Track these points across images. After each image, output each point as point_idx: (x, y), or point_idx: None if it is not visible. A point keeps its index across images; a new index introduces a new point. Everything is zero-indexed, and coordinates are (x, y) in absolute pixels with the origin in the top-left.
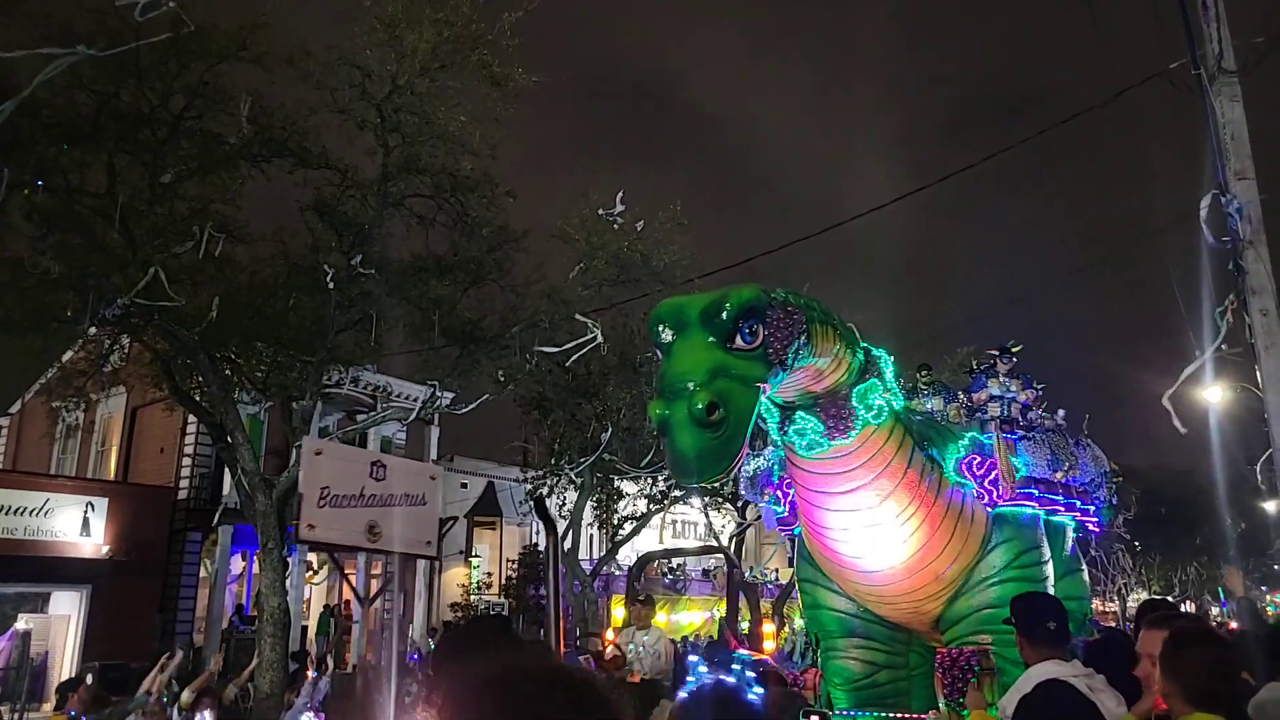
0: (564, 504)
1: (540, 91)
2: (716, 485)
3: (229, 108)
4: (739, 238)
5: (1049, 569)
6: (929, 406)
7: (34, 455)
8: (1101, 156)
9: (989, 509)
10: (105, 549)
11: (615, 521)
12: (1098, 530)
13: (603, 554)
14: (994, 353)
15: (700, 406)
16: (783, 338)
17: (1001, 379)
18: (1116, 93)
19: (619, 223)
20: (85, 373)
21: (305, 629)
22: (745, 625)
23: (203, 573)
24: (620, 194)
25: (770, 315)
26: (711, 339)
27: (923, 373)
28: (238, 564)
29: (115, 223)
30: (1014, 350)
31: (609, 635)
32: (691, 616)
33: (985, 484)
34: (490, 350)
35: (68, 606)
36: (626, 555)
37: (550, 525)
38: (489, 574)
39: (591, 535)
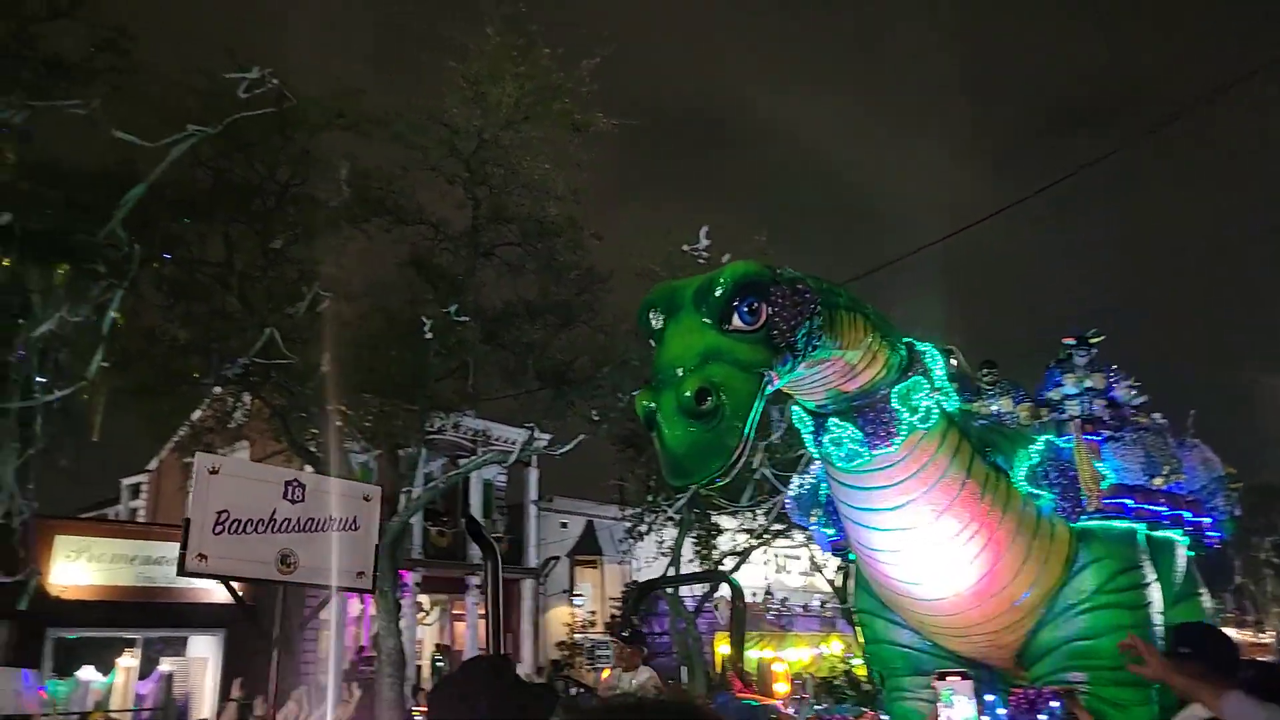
0: (663, 541)
1: (621, 134)
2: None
3: (329, 173)
4: (828, 262)
5: (1155, 592)
6: (995, 409)
7: (171, 508)
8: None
9: (1072, 523)
10: (234, 595)
11: (716, 557)
12: (1215, 544)
13: (705, 591)
14: (1070, 343)
15: (689, 394)
16: (789, 318)
17: (1079, 373)
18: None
19: (704, 258)
20: (212, 429)
21: (419, 668)
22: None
23: (322, 615)
24: (705, 229)
25: (774, 292)
26: (706, 320)
27: (985, 371)
28: (355, 606)
29: (233, 289)
30: (1092, 340)
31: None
32: (799, 654)
33: (1065, 494)
34: (583, 391)
35: (205, 650)
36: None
37: (488, 547)
38: (592, 612)
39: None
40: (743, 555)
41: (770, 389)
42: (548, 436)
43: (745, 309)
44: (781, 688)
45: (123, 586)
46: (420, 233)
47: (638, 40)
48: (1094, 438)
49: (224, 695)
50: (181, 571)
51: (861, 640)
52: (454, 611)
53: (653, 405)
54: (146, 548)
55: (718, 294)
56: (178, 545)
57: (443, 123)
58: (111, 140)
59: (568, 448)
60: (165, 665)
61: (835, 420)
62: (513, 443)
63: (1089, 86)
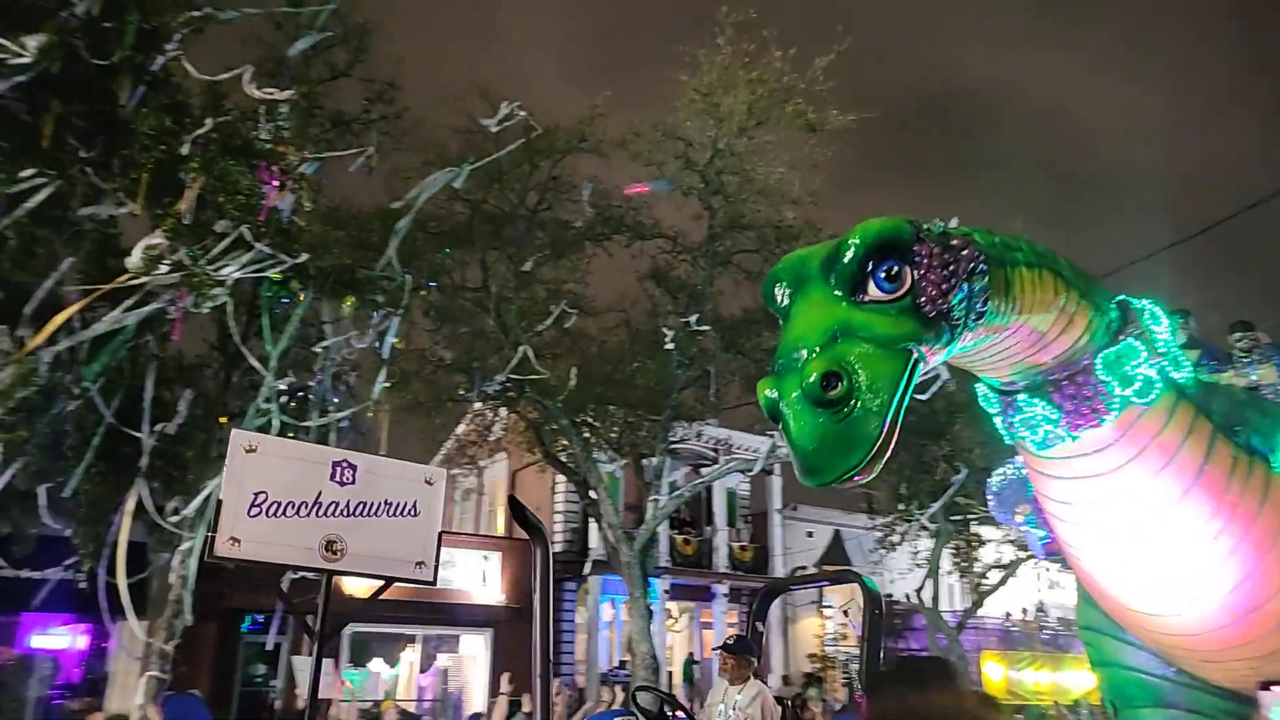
0: (918, 551)
1: (859, 126)
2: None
3: (573, 195)
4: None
5: None
6: (1253, 378)
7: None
8: None
9: None
10: (500, 597)
11: (978, 571)
12: None
13: (967, 606)
14: None
15: (813, 379)
16: (940, 281)
17: None
18: None
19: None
20: (475, 442)
21: (670, 674)
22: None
23: (578, 619)
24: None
25: (919, 252)
26: (836, 292)
27: (1238, 335)
28: (607, 611)
29: (490, 311)
30: None
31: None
32: (1079, 679)
33: None
34: None
35: (475, 648)
36: (996, 608)
37: (536, 531)
38: (843, 624)
39: (951, 586)
40: (1008, 569)
41: (923, 368)
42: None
43: (883, 274)
44: None
45: (404, 586)
46: (659, 246)
47: (875, 26)
48: None
49: (493, 690)
50: (210, 556)
51: (1089, 663)
52: (702, 619)
53: (775, 395)
54: None
55: (848, 259)
56: (448, 550)
57: (677, 137)
58: (384, 182)
59: None
60: (441, 660)
61: (1028, 397)
62: (755, 451)
63: None
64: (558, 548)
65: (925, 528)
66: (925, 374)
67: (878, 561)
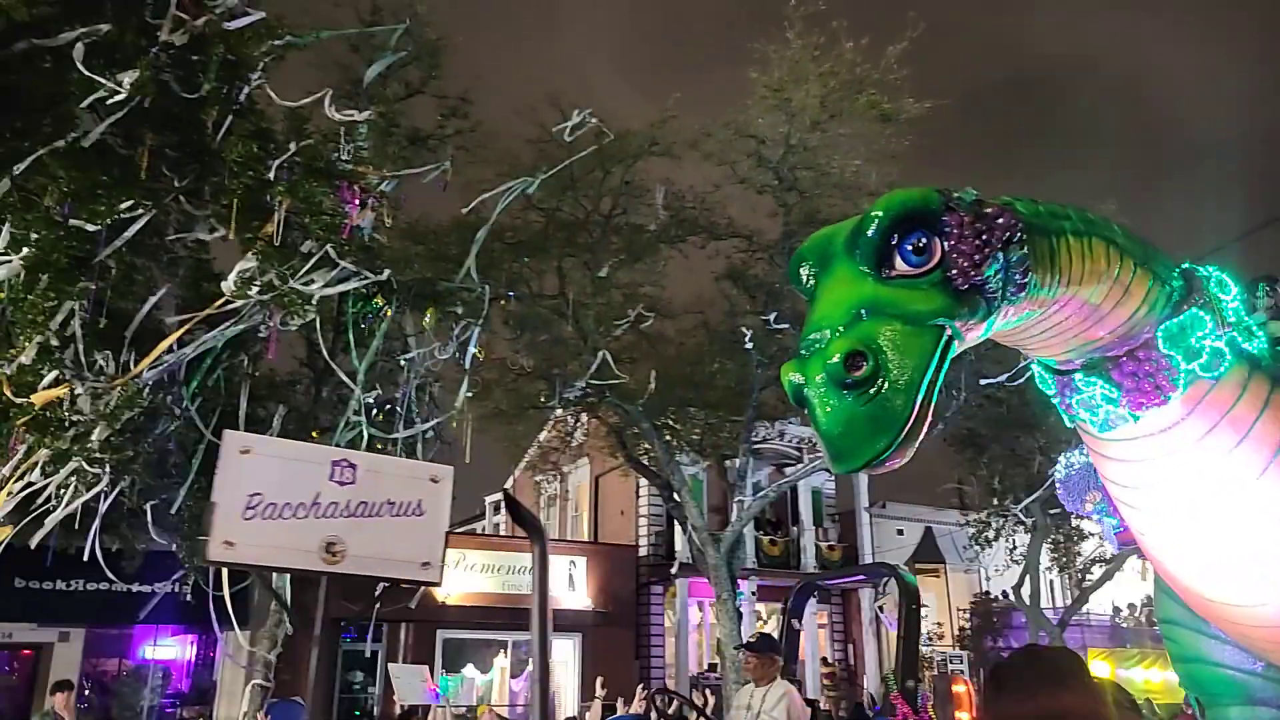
0: (1015, 547)
1: (938, 113)
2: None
3: (647, 199)
4: (1186, 224)
5: None
6: None
7: None
8: None
9: None
10: (588, 602)
11: (1080, 565)
12: None
13: (1069, 603)
14: None
15: (837, 360)
16: (974, 252)
17: None
18: None
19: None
20: (557, 449)
21: None
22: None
23: (666, 622)
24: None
25: (949, 222)
26: (863, 268)
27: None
28: (695, 614)
29: (568, 318)
30: None
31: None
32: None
33: None
34: None
35: (564, 653)
36: (1101, 604)
37: (534, 529)
38: (939, 624)
39: (1051, 581)
40: (1111, 563)
41: (958, 345)
42: None
43: (910, 247)
44: (964, 717)
45: (492, 593)
46: (734, 245)
47: (944, 4)
48: None
49: (584, 694)
50: (205, 560)
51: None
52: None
53: (800, 379)
54: (508, 559)
55: (871, 232)
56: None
57: (749, 135)
58: (460, 195)
59: None
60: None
61: (1085, 376)
62: None
63: None
64: (643, 551)
65: (1021, 522)
66: (964, 349)
67: (973, 559)
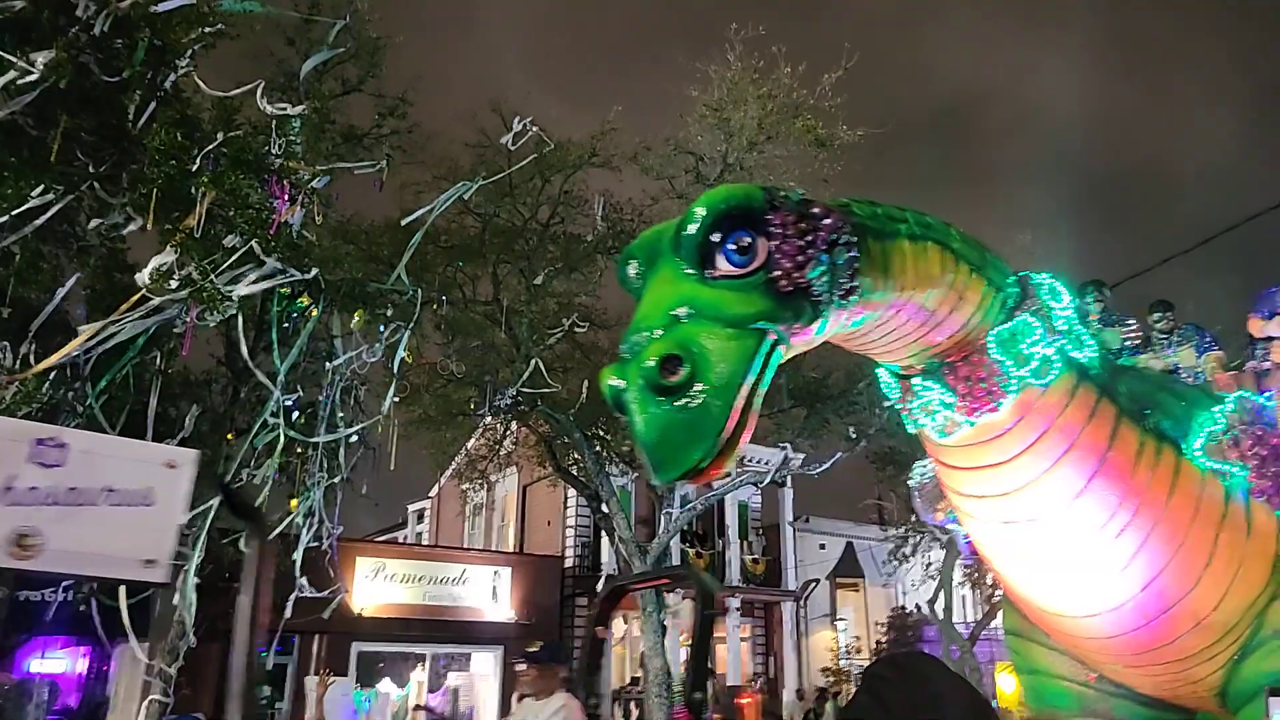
0: (930, 563)
1: (866, 142)
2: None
3: (584, 209)
4: (1114, 258)
5: None
6: (1173, 361)
7: (450, 532)
8: None
9: (1279, 512)
10: (511, 614)
11: (990, 581)
12: None
13: (979, 617)
14: None
15: (652, 364)
16: (797, 253)
17: None
18: None
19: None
20: (485, 457)
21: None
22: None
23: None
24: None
25: (774, 222)
26: (686, 268)
27: (1158, 315)
28: (619, 627)
29: (501, 325)
30: None
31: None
32: None
33: (1264, 470)
34: (838, 407)
35: (486, 666)
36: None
37: (255, 520)
38: (857, 637)
39: (964, 596)
40: None
41: (785, 351)
42: (802, 456)
43: (733, 247)
44: None
45: (412, 605)
46: None
47: (884, 40)
48: None
49: (504, 709)
50: None
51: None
52: (716, 633)
53: (619, 383)
54: (431, 569)
55: (692, 230)
56: (459, 566)
57: (688, 151)
58: (395, 196)
59: (824, 467)
60: (452, 679)
61: (924, 381)
62: (767, 463)
63: None
64: (569, 563)
65: (937, 539)
66: (796, 356)
67: (891, 573)
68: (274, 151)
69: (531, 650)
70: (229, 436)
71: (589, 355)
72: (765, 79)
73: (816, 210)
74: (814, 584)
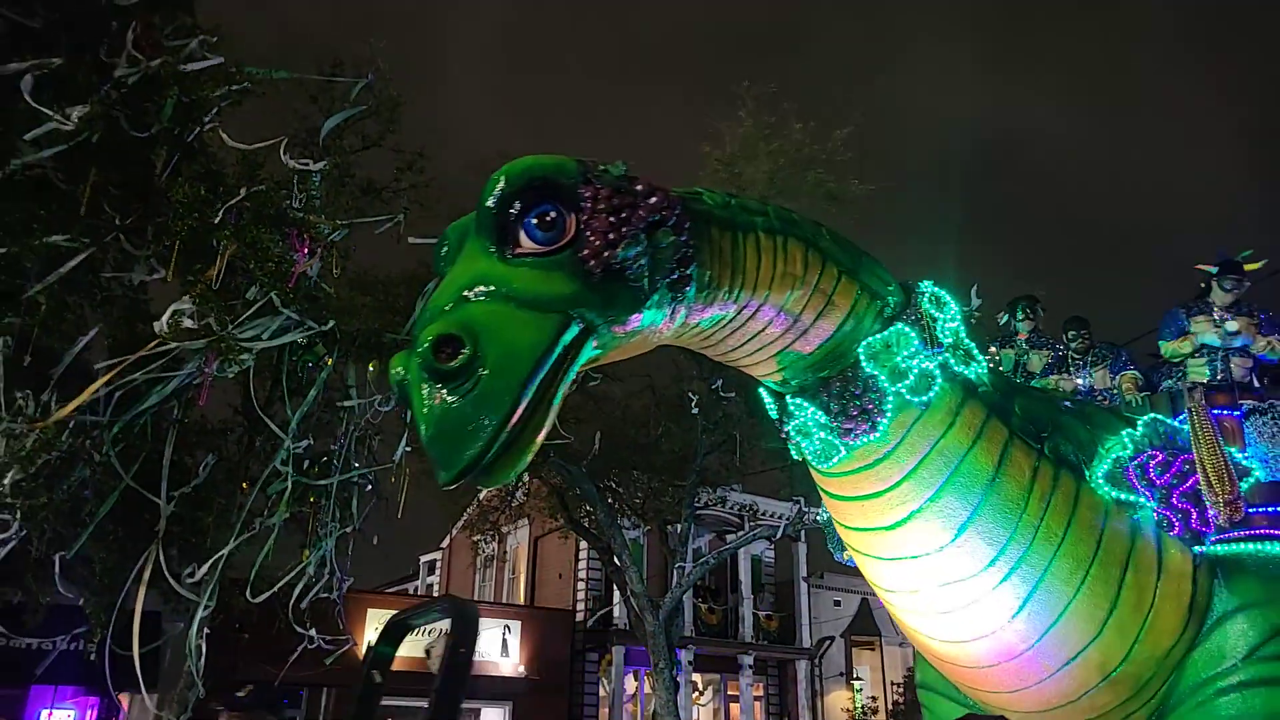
0: None
1: (876, 198)
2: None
3: None
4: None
5: None
6: (1085, 383)
7: (461, 583)
8: None
9: (1195, 549)
10: (521, 668)
11: None
12: None
13: None
14: (1211, 269)
15: (425, 346)
16: (607, 230)
17: (1217, 315)
18: None
19: (976, 317)
20: (497, 508)
21: None
22: None
23: (601, 691)
24: (975, 287)
25: (586, 195)
26: (490, 246)
27: (1072, 333)
28: (631, 683)
29: None
30: (1245, 266)
31: None
32: None
33: (1176, 500)
34: None
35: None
36: None
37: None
38: (873, 698)
39: None
40: None
41: (596, 341)
42: (817, 510)
43: (535, 221)
44: None
45: (422, 658)
46: None
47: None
48: (1229, 412)
49: None
50: None
51: None
52: (729, 692)
53: (402, 371)
54: (443, 622)
55: (490, 203)
56: None
57: None
58: (413, 247)
59: None
60: None
61: (799, 401)
62: (781, 517)
63: None
64: (580, 617)
65: None
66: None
67: None
68: (295, 205)
69: (239, 696)
70: (243, 485)
71: (601, 406)
72: (776, 134)
73: (639, 188)
74: (829, 641)
